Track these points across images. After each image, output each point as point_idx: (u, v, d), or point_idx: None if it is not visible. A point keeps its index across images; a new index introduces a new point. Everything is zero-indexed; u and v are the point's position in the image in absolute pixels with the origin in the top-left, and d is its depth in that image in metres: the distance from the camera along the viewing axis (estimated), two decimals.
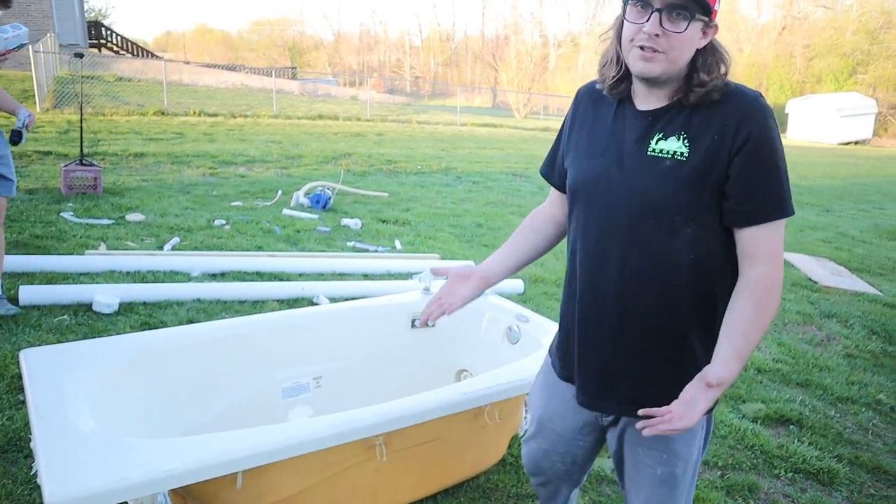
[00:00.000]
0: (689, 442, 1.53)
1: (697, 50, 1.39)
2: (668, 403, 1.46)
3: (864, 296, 6.17)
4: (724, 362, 1.38)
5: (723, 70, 1.40)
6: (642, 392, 1.51)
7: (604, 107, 1.55)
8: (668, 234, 1.42)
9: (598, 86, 1.56)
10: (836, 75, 48.81)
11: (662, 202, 1.41)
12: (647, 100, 1.47)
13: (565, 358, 1.68)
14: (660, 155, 1.42)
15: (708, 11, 1.36)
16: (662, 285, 1.45)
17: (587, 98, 1.61)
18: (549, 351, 1.81)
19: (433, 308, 1.73)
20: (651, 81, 1.43)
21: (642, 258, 1.45)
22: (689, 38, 1.37)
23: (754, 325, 1.38)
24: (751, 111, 1.38)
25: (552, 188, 1.78)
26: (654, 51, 1.37)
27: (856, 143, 38.11)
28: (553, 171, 1.73)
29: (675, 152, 1.41)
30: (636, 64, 1.41)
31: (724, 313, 1.44)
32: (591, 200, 1.53)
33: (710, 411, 1.52)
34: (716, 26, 1.40)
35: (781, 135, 1.43)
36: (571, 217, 1.61)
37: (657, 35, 1.36)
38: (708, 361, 1.43)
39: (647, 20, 1.36)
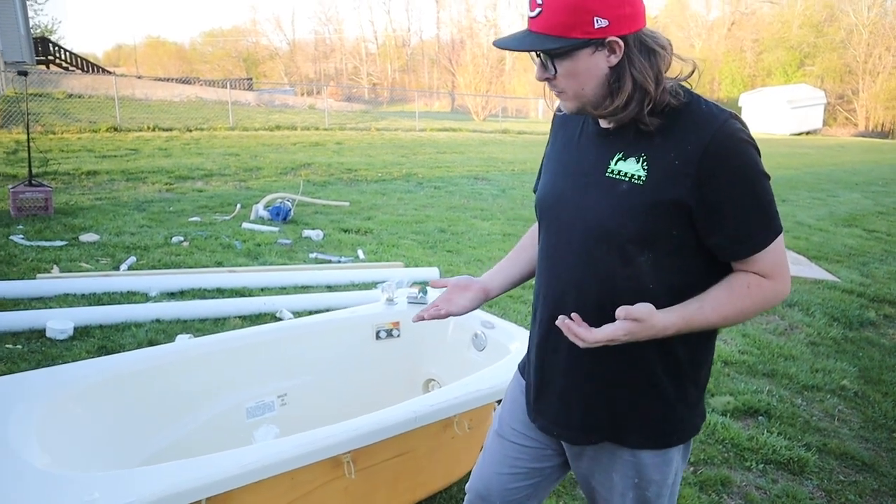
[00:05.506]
0: (662, 468, 1.46)
1: (611, 69, 1.28)
2: (627, 433, 1.43)
3: (824, 283, 6.29)
4: (664, 312, 1.29)
5: (648, 89, 1.27)
6: (599, 420, 1.44)
7: (571, 124, 1.50)
8: (622, 261, 1.33)
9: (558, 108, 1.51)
10: (785, 68, 50.11)
11: (615, 228, 1.32)
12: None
13: (527, 378, 1.62)
14: (617, 177, 1.33)
15: (585, 41, 1.25)
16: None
17: (561, 117, 1.55)
18: (519, 367, 1.74)
19: (430, 309, 1.66)
20: (587, 114, 1.38)
21: (597, 285, 1.37)
22: (579, 70, 1.28)
23: (719, 304, 1.31)
24: (720, 136, 1.25)
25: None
26: (559, 91, 1.34)
27: (807, 133, 39.16)
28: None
29: (632, 175, 1.31)
30: (560, 104, 1.39)
31: (695, 345, 1.39)
32: (551, 222, 1.47)
33: (689, 437, 1.47)
34: (615, 43, 1.25)
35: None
36: (538, 238, 1.55)
37: (548, 79, 1.33)
38: (675, 390, 1.39)
39: (536, 70, 1.34)
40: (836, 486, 2.95)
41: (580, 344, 1.30)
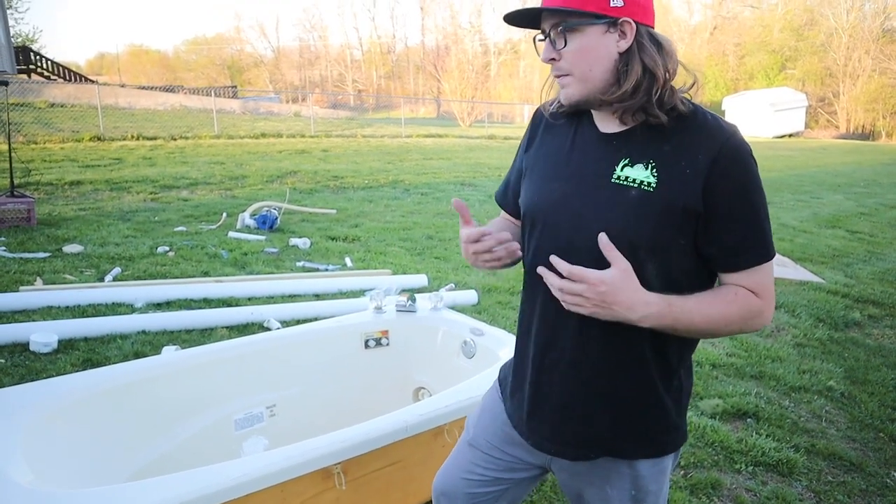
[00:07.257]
0: (658, 478, 1.45)
1: (620, 55, 1.28)
2: (626, 443, 1.41)
3: (809, 284, 6.34)
4: (656, 298, 1.26)
5: (657, 75, 1.26)
6: (600, 433, 1.41)
7: (562, 127, 1.47)
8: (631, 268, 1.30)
9: (547, 111, 1.49)
10: (767, 71, 50.59)
11: (625, 235, 1.28)
12: (607, 122, 1.36)
13: (514, 395, 1.56)
14: (625, 183, 1.30)
15: (599, 14, 1.25)
16: (624, 323, 1.29)
17: (546, 120, 1.51)
18: (499, 379, 1.69)
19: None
20: (590, 104, 1.35)
21: None
22: (589, 48, 1.28)
23: (703, 303, 1.29)
24: (728, 149, 1.26)
25: (503, 213, 1.68)
26: (562, 75, 1.33)
27: (789, 135, 39.53)
28: (507, 197, 1.63)
29: (641, 181, 1.29)
30: (560, 94, 1.37)
31: (685, 353, 1.40)
32: (548, 226, 1.42)
33: (681, 443, 1.47)
34: (627, 24, 1.26)
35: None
36: (527, 242, 1.49)
37: (553, 59, 1.32)
38: (668, 395, 1.39)
39: (543, 50, 1.33)
40: (825, 487, 2.96)
41: (556, 283, 1.26)
